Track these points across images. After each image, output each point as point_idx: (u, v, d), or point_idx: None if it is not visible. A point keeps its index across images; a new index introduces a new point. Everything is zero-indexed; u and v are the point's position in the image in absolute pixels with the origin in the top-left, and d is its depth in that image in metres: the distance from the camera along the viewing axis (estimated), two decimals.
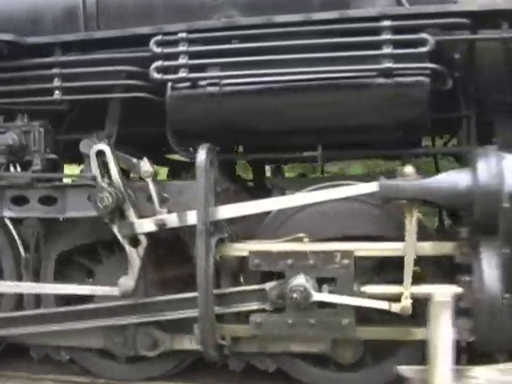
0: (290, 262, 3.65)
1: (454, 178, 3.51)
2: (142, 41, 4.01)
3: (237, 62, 3.79)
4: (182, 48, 3.87)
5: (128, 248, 3.98)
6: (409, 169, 3.62)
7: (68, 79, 4.15)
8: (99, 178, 3.95)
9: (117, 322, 4.13)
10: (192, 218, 3.84)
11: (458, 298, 3.49)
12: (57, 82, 4.14)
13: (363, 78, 3.68)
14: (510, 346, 3.54)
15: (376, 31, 3.65)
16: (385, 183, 3.57)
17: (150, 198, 3.99)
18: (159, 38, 3.91)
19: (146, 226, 3.94)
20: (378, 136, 3.95)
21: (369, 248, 3.65)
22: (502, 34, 3.58)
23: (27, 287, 4.33)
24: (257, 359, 4.12)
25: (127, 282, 4.02)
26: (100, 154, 3.99)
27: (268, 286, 3.80)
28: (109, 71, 4.11)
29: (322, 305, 3.64)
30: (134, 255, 3.97)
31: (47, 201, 4.19)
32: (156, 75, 3.88)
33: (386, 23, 3.61)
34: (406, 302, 3.54)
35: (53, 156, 4.23)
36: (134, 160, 4.02)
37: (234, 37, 3.82)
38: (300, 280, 3.64)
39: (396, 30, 3.62)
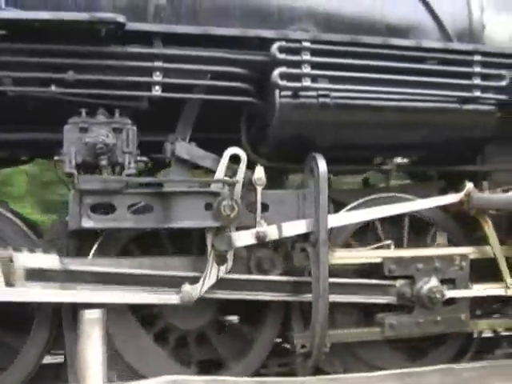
0: (419, 266, 4.01)
1: None
2: (246, 43, 3.88)
3: (360, 78, 3.96)
4: (305, 57, 3.87)
5: (211, 263, 3.78)
6: (485, 184, 4.29)
7: (169, 75, 3.74)
8: (227, 185, 3.70)
9: None
10: (298, 228, 3.88)
11: None
12: (157, 77, 3.70)
13: (453, 103, 4.22)
14: None
15: (468, 63, 4.21)
16: (478, 195, 4.17)
17: (250, 208, 3.87)
18: (283, 43, 3.84)
19: (245, 238, 3.81)
20: (450, 151, 4.49)
21: (474, 251, 4.20)
22: None
23: None
24: (327, 362, 4.28)
25: (193, 291, 3.80)
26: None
27: (398, 283, 4.07)
28: (207, 70, 3.85)
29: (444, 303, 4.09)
30: (214, 272, 3.80)
31: (139, 209, 3.70)
32: (280, 81, 3.81)
33: (478, 58, 4.21)
34: None
35: (144, 158, 3.75)
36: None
37: (356, 53, 3.97)
38: (434, 282, 4.04)
39: (483, 64, 4.24)
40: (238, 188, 3.75)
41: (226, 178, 3.74)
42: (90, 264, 3.73)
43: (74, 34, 3.56)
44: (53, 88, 3.55)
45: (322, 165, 3.85)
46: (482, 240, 4.36)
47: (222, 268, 3.79)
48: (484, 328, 4.55)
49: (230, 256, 3.79)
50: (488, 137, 4.42)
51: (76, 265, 3.68)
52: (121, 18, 3.51)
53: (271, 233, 3.83)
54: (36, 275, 3.60)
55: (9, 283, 3.53)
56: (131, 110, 3.77)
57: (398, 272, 4.13)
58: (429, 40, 4.30)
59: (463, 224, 4.48)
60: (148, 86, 3.72)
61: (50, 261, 3.62)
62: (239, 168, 3.77)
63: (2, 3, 3.57)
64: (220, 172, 3.79)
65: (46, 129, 3.84)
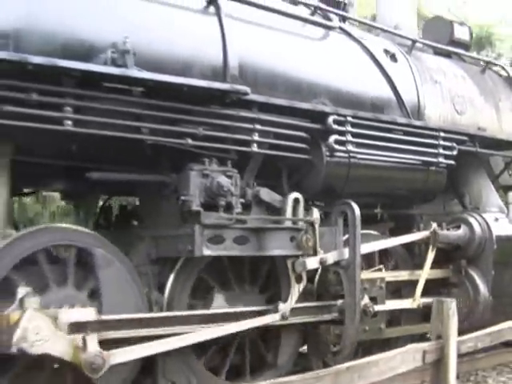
0: None
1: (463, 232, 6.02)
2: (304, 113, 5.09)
3: (375, 145, 5.37)
4: (348, 128, 5.17)
5: (293, 283, 4.91)
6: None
7: (262, 135, 4.77)
8: (302, 222, 4.81)
9: None
10: (342, 255, 5.13)
11: None
12: (255, 136, 4.72)
13: (426, 165, 5.82)
14: None
15: (436, 137, 5.85)
16: (442, 232, 5.79)
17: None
18: (336, 117, 5.09)
19: (313, 263, 4.98)
20: (413, 199, 6.05)
21: (389, 275, 5.76)
22: None
23: None
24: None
25: (286, 307, 4.92)
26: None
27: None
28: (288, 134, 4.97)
29: None
30: (296, 289, 4.93)
31: (240, 240, 4.64)
32: (336, 146, 5.05)
33: (441, 134, 5.86)
34: None
35: (242, 200, 4.70)
36: None
37: (374, 126, 5.37)
38: (366, 299, 5.33)
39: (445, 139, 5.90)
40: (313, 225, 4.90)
41: (308, 218, 4.86)
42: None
43: (205, 97, 4.47)
44: (189, 141, 4.40)
45: (356, 208, 5.13)
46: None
47: (300, 285, 4.88)
48: (396, 334, 6.04)
49: (304, 277, 4.90)
50: (440, 189, 6.09)
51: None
52: (248, 90, 4.51)
53: (329, 258, 5.02)
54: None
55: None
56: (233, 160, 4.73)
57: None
58: (395, 115, 5.89)
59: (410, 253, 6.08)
60: (248, 144, 4.72)
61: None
62: (313, 210, 4.92)
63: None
64: (288, 212, 4.89)
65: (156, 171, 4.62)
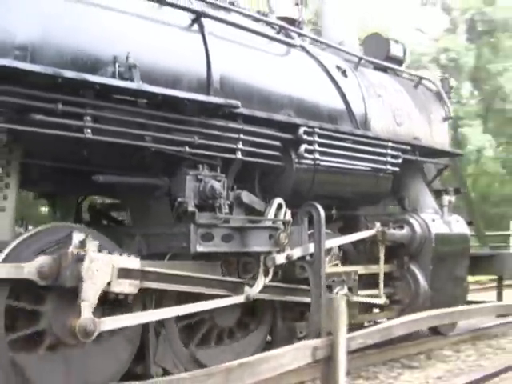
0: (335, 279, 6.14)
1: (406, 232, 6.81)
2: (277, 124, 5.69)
3: (338, 154, 6.04)
4: (316, 138, 5.80)
5: (260, 275, 5.49)
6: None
7: (244, 143, 5.32)
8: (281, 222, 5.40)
9: None
10: (307, 250, 5.75)
11: None
12: (240, 145, 5.26)
13: (377, 171, 6.56)
14: None
15: (385, 147, 6.59)
16: (390, 231, 6.53)
17: None
18: (306, 128, 5.71)
19: (281, 259, 5.57)
20: (363, 201, 6.76)
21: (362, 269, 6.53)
22: None
23: None
24: None
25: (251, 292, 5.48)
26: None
27: None
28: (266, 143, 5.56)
29: None
30: (262, 281, 5.50)
31: (227, 238, 5.17)
32: (305, 154, 5.67)
33: (390, 144, 6.61)
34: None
35: (228, 202, 5.22)
36: None
37: (335, 137, 6.05)
38: (345, 289, 6.14)
39: (392, 148, 6.66)
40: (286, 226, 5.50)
41: (285, 218, 5.44)
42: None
43: (201, 110, 4.97)
44: (187, 148, 4.88)
45: (320, 209, 5.75)
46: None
47: (267, 279, 5.47)
48: (364, 320, 6.83)
49: (271, 271, 5.49)
50: (387, 192, 6.85)
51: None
52: (239, 103, 5.04)
53: (294, 254, 5.62)
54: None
55: None
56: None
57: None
58: (348, 126, 6.60)
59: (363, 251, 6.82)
60: (234, 151, 5.25)
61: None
62: (284, 211, 5.51)
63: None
64: (271, 213, 5.46)
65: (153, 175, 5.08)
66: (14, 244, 4.34)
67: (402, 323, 5.70)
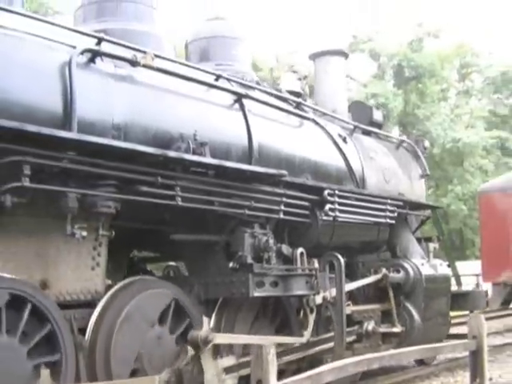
0: (365, 315, 7.22)
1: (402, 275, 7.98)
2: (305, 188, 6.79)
3: (350, 211, 7.19)
4: (336, 199, 6.93)
5: (308, 313, 6.54)
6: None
7: (286, 204, 6.39)
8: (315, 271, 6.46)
9: None
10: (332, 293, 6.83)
11: None
12: (282, 206, 6.32)
13: (378, 224, 7.73)
14: None
15: (385, 204, 7.78)
16: (391, 275, 7.68)
17: None
18: (329, 191, 6.83)
19: (318, 299, 6.63)
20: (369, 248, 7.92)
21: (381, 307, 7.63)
22: None
23: None
24: None
25: (308, 333, 6.53)
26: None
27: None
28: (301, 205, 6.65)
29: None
30: (311, 318, 6.56)
31: (274, 284, 6.18)
32: (330, 212, 6.79)
33: (388, 201, 7.82)
34: None
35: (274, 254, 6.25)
36: None
37: (351, 197, 7.19)
38: (372, 323, 7.22)
39: (390, 204, 7.86)
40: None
41: (316, 266, 6.49)
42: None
43: (257, 178, 6.01)
44: (246, 211, 5.91)
45: (340, 258, 6.84)
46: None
47: (313, 315, 6.52)
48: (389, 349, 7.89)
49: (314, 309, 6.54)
50: (385, 242, 8.03)
51: None
52: (286, 173, 6.12)
53: (328, 296, 6.67)
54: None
55: None
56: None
57: (359, 318, 7.27)
58: (349, 184, 7.78)
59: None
60: (277, 212, 6.30)
61: None
62: (314, 261, 6.57)
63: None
64: (298, 261, 6.51)
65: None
66: (109, 294, 5.26)
67: (330, 370, 5.25)
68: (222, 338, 5.32)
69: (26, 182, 4.41)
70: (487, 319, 10.49)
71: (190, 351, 5.05)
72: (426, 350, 6.69)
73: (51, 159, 4.62)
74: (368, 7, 52.70)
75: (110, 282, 5.72)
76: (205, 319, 5.10)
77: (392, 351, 6.65)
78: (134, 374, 5.25)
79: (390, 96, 34.95)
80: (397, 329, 7.80)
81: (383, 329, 7.56)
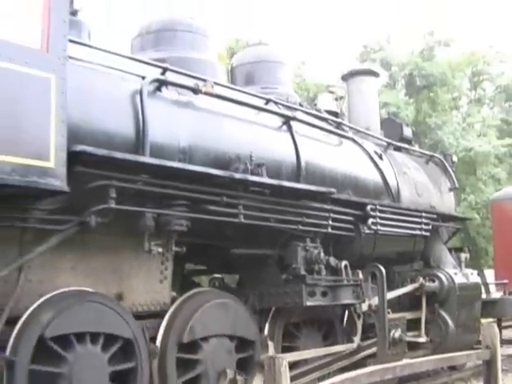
0: (392, 323, 7.64)
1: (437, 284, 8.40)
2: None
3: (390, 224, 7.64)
4: (378, 213, 7.37)
5: (356, 320, 6.98)
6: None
7: (333, 219, 6.84)
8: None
9: None
10: (375, 302, 7.26)
11: None
12: (330, 221, 6.77)
13: (414, 236, 8.17)
14: None
15: (420, 217, 8.22)
16: (427, 284, 8.10)
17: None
18: (372, 206, 7.27)
19: (365, 307, 7.07)
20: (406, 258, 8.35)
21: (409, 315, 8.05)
22: None
23: None
24: None
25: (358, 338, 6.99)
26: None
27: None
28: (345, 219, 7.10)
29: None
30: (360, 324, 7.00)
31: (324, 294, 6.61)
32: (372, 226, 7.23)
33: (423, 214, 8.25)
34: None
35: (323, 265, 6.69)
36: None
37: (390, 211, 7.63)
38: (399, 331, 7.62)
39: (425, 217, 8.29)
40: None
41: (361, 277, 6.93)
42: None
43: (303, 196, 6.46)
44: (300, 226, 6.36)
45: (382, 269, 7.28)
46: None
47: (361, 321, 6.96)
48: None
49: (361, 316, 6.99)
50: (420, 252, 8.47)
51: None
52: (334, 190, 6.57)
53: (373, 304, 7.10)
54: None
55: None
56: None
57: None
58: (386, 198, 8.21)
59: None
60: (326, 227, 6.75)
61: None
62: (358, 272, 7.01)
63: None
64: (345, 273, 6.95)
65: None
66: (175, 305, 5.71)
67: (341, 380, 5.10)
68: (292, 357, 5.77)
69: (112, 204, 4.85)
70: (503, 328, 10.94)
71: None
72: (440, 360, 6.79)
73: (130, 182, 5.06)
74: (379, 17, 53.15)
75: (174, 293, 6.15)
76: (270, 344, 5.57)
77: (405, 361, 6.87)
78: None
79: (402, 105, 35.22)
80: (422, 339, 8.18)
81: (408, 337, 7.91)
